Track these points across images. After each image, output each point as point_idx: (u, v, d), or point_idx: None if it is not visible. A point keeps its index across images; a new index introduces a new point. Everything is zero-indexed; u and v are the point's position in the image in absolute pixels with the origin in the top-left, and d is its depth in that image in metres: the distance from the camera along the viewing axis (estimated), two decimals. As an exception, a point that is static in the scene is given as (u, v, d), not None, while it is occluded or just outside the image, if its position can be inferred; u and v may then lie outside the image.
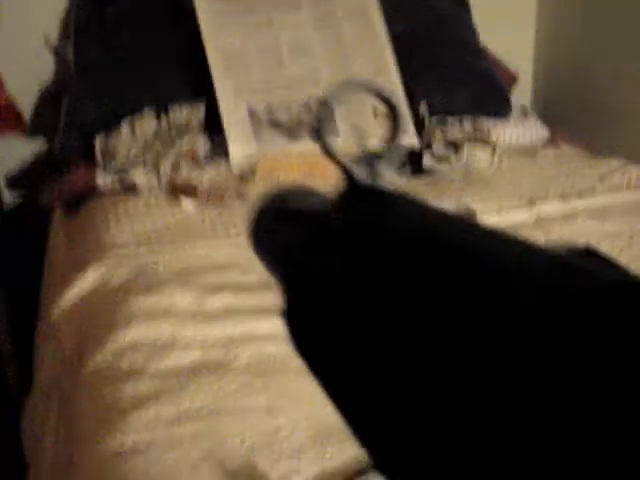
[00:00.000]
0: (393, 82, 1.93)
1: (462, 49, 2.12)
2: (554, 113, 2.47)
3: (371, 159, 0.41)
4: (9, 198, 2.22)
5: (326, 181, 1.67)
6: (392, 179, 0.40)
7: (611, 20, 2.26)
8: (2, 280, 2.12)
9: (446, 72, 2.05)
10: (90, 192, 1.89)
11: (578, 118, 2.38)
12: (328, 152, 0.41)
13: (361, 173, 0.41)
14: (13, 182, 2.21)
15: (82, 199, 1.90)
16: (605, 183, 1.84)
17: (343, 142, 1.94)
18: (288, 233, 0.46)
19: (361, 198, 0.40)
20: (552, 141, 2.10)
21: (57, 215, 1.96)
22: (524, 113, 2.16)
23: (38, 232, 1.98)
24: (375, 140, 0.45)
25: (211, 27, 1.88)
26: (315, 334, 0.37)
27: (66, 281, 1.51)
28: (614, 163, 1.95)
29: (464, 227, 0.35)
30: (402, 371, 0.31)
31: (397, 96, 1.92)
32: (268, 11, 1.93)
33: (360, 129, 1.72)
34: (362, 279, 0.33)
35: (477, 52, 2.15)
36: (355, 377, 0.34)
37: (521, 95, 2.46)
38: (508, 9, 2.49)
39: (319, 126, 0.41)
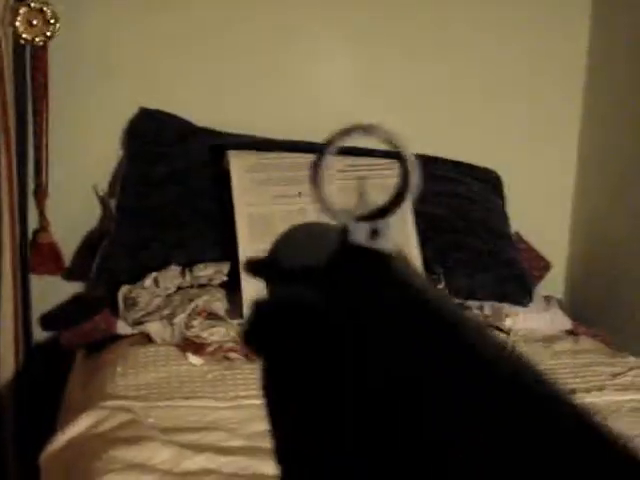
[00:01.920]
0: (414, 260, 1.97)
1: (488, 234, 2.16)
2: (584, 304, 2.47)
3: (373, 217, 0.36)
4: (40, 335, 2.29)
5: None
6: (396, 241, 0.36)
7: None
8: (21, 417, 2.17)
9: (469, 256, 2.09)
10: (112, 337, 1.97)
11: (608, 313, 2.37)
12: (323, 204, 0.35)
13: (360, 232, 0.36)
14: (45, 320, 2.29)
15: (103, 343, 1.98)
16: (616, 381, 1.82)
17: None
18: (277, 295, 0.42)
19: (354, 262, 0.35)
20: (573, 333, 2.09)
21: (79, 357, 2.03)
22: (547, 302, 2.17)
23: (61, 371, 2.05)
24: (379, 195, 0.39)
25: (243, 194, 1.98)
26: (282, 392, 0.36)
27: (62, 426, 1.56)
28: (631, 361, 1.93)
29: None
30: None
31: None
32: (299, 183, 2.01)
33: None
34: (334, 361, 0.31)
35: (504, 238, 2.19)
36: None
37: (553, 283, 2.47)
38: (545, 197, 2.54)
39: (316, 175, 0.35)
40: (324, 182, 0.36)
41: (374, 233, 0.36)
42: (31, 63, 2.13)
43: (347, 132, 0.37)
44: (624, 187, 2.38)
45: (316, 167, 0.37)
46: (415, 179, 0.36)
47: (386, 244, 0.36)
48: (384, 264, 0.35)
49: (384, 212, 0.37)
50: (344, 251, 0.36)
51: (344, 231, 0.36)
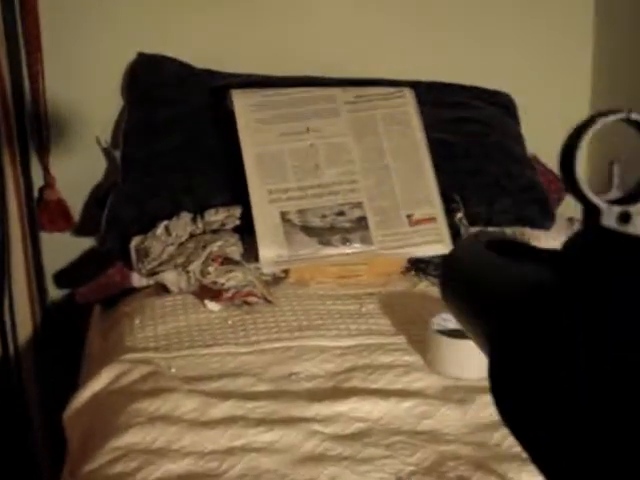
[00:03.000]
0: (430, 190, 1.92)
1: (505, 158, 2.09)
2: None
3: (629, 200, 0.34)
4: (55, 293, 2.26)
5: (359, 287, 1.65)
6: None
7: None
8: (42, 375, 2.15)
9: (486, 181, 2.03)
10: (127, 289, 1.93)
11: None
12: (572, 186, 0.34)
13: (611, 215, 0.34)
14: (59, 278, 2.26)
15: (119, 296, 1.94)
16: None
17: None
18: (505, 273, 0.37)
19: (609, 248, 0.33)
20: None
21: (96, 312, 2.00)
22: (570, 223, 2.11)
23: (79, 327, 2.02)
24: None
25: (249, 134, 1.92)
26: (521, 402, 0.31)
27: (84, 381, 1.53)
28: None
29: None
30: None
31: (433, 205, 1.90)
32: (307, 119, 1.95)
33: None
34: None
35: (521, 161, 2.12)
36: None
37: (572, 205, 2.41)
38: (560, 119, 2.46)
39: (569, 157, 0.34)
40: (576, 165, 0.34)
41: (625, 217, 0.34)
42: (21, 14, 2.06)
43: (607, 113, 0.35)
44: (638, 106, 2.31)
45: (568, 150, 0.34)
46: None
47: (637, 230, 0.34)
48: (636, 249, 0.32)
49: (636, 196, 0.35)
50: (595, 234, 0.34)
51: (595, 214, 0.34)
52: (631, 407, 0.25)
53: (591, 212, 0.34)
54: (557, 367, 0.28)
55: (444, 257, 0.46)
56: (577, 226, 2.14)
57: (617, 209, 0.34)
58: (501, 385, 0.31)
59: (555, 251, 0.35)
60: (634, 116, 0.34)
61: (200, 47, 2.22)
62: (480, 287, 0.38)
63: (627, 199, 0.35)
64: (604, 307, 0.28)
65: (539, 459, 0.28)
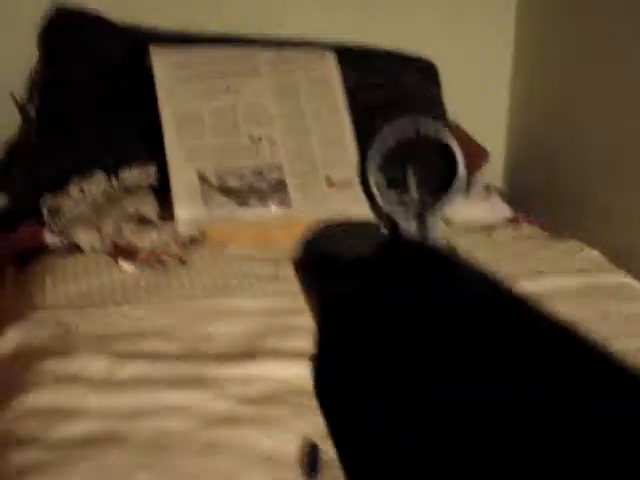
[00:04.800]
0: (349, 154, 1.91)
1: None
2: (523, 193, 2.45)
3: (422, 210, 0.38)
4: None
5: (277, 249, 1.64)
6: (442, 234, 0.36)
7: (581, 106, 2.25)
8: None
9: (405, 147, 2.03)
10: (41, 248, 1.88)
11: (545, 200, 2.36)
12: (372, 200, 0.38)
13: (409, 226, 0.37)
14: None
15: (32, 255, 1.90)
16: (557, 265, 1.80)
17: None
18: (333, 281, 0.42)
19: (410, 254, 0.36)
20: (514, 221, 2.07)
21: (9, 272, 1.95)
22: (487, 191, 2.14)
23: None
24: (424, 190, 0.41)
25: (167, 91, 1.88)
26: (340, 383, 0.34)
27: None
28: (572, 245, 1.92)
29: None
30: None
31: (352, 168, 1.90)
32: (227, 77, 1.92)
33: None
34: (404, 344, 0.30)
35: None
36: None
37: (492, 173, 2.44)
38: (482, 86, 2.49)
39: (365, 168, 0.37)
40: (371, 182, 0.36)
41: (421, 223, 0.36)
42: None
43: (399, 124, 0.36)
44: (561, 69, 2.34)
45: (363, 166, 0.37)
46: (462, 170, 0.35)
47: (432, 232, 0.36)
48: (436, 254, 0.35)
49: (430, 203, 0.36)
50: (396, 243, 0.38)
51: (394, 224, 0.37)
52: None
53: (393, 224, 0.38)
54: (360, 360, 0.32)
55: (299, 246, 0.53)
56: (493, 193, 2.17)
57: (413, 214, 0.38)
58: (319, 372, 0.36)
59: (364, 259, 0.38)
60: (423, 128, 0.39)
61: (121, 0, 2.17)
62: (314, 290, 0.45)
63: (423, 205, 0.39)
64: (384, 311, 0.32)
65: (338, 437, 0.33)
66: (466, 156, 2.19)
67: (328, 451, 1.16)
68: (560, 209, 2.30)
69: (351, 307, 0.35)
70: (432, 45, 2.34)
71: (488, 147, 2.37)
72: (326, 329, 0.36)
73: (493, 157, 2.43)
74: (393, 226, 0.34)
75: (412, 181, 1.94)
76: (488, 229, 1.99)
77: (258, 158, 1.87)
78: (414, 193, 1.81)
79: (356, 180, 1.88)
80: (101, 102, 1.99)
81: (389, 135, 0.36)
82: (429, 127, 0.36)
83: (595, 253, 1.88)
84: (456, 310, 0.30)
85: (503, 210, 2.09)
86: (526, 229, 2.04)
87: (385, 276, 0.35)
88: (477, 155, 2.32)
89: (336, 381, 0.33)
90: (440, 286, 0.32)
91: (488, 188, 2.17)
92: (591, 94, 2.20)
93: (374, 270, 0.36)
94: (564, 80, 2.32)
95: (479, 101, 2.45)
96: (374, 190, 0.35)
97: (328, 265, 0.44)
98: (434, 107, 2.20)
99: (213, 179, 1.82)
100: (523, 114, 2.55)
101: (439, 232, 0.34)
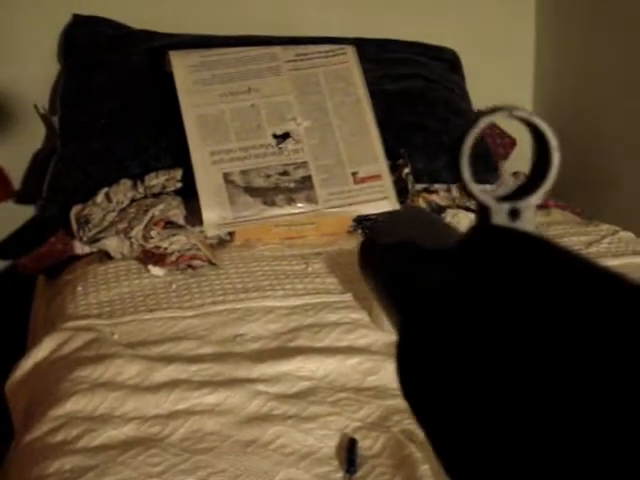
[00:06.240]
0: (374, 146, 1.90)
1: (449, 114, 2.08)
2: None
3: (515, 196, 0.35)
4: (-2, 264, 2.22)
5: (305, 246, 1.63)
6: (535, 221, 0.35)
7: (609, 91, 2.22)
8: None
9: (430, 137, 2.01)
10: (70, 258, 1.89)
11: (576, 185, 2.33)
12: (463, 186, 0.36)
13: (501, 212, 0.35)
14: (2, 250, 2.21)
15: (62, 265, 1.90)
16: (592, 249, 1.77)
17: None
18: (410, 270, 0.40)
19: (497, 243, 0.34)
20: (544, 206, 2.04)
21: (40, 282, 1.96)
22: (516, 178, 2.11)
23: (25, 299, 1.98)
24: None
25: (189, 95, 1.88)
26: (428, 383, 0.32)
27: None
28: (605, 229, 1.89)
29: None
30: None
31: (378, 162, 1.89)
32: (247, 78, 1.92)
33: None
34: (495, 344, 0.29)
35: (465, 117, 2.11)
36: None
37: (520, 161, 2.42)
38: (506, 74, 2.46)
39: (456, 158, 0.35)
40: (465, 166, 0.35)
41: (514, 214, 0.35)
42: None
43: (492, 111, 0.35)
44: (585, 54, 2.31)
45: (455, 151, 0.35)
46: (556, 160, 0.34)
47: (527, 225, 0.35)
48: (527, 244, 0.33)
49: (524, 192, 0.36)
50: (486, 231, 0.36)
51: (485, 212, 0.35)
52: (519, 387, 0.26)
53: (484, 210, 0.35)
54: (457, 361, 0.30)
55: (369, 230, 0.48)
56: (523, 180, 2.14)
57: (506, 206, 0.35)
58: (407, 371, 0.33)
59: (454, 249, 0.36)
60: (516, 113, 0.34)
61: (137, 7, 2.18)
62: (395, 279, 0.40)
63: (516, 195, 0.36)
64: (493, 302, 0.30)
65: (437, 441, 0.30)
66: (494, 145, 2.17)
67: (369, 447, 1.15)
68: (591, 194, 2.27)
69: (448, 299, 0.33)
70: (453, 35, 2.32)
71: (514, 135, 2.34)
72: (416, 321, 0.34)
73: (520, 144, 2.40)
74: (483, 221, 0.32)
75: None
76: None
77: (283, 156, 1.86)
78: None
79: (385, 173, 1.87)
80: (123, 109, 1.99)
81: (481, 127, 0.35)
82: (523, 113, 0.34)
83: (630, 235, 1.85)
84: (565, 313, 0.28)
85: (533, 197, 2.06)
86: (556, 214, 2.02)
87: (486, 266, 0.32)
88: (504, 143, 2.30)
89: (430, 382, 0.31)
90: (550, 283, 0.30)
91: (517, 175, 2.15)
92: (618, 79, 2.17)
93: (474, 259, 0.34)
94: (589, 65, 2.29)
95: (503, 89, 2.42)
96: (470, 186, 0.34)
97: (409, 251, 0.41)
98: (458, 96, 2.17)
99: (239, 180, 1.81)
100: (549, 100, 2.52)
101: (534, 225, 0.33)
